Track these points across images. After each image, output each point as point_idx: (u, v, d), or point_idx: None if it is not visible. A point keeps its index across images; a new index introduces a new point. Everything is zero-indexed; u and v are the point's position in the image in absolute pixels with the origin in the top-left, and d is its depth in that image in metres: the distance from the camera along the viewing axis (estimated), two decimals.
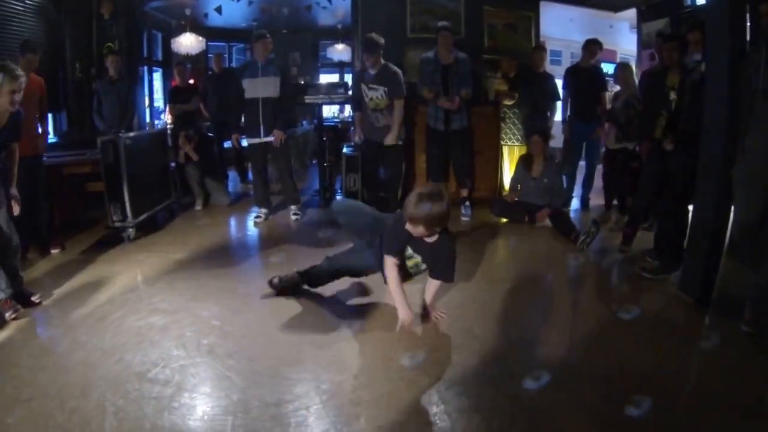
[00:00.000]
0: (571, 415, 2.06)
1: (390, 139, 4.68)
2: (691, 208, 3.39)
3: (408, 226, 2.48)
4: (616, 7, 6.90)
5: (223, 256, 4.00)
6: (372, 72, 4.62)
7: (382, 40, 4.57)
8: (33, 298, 2.98)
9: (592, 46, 5.11)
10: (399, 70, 4.70)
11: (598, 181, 5.34)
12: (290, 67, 5.84)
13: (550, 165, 4.79)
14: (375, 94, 4.63)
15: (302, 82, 6.95)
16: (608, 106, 5.09)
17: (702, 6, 5.30)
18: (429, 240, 2.58)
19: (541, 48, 5.55)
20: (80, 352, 2.45)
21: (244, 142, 5.10)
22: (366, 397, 2.12)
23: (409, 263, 2.73)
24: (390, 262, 2.60)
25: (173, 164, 5.36)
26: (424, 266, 2.72)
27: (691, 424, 2.01)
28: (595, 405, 2.12)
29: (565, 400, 2.16)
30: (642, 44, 6.55)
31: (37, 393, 2.11)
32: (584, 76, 5.12)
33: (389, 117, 4.67)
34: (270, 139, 4.68)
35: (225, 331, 2.68)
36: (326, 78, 9.50)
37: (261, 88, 4.62)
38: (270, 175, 5.19)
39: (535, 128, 4.95)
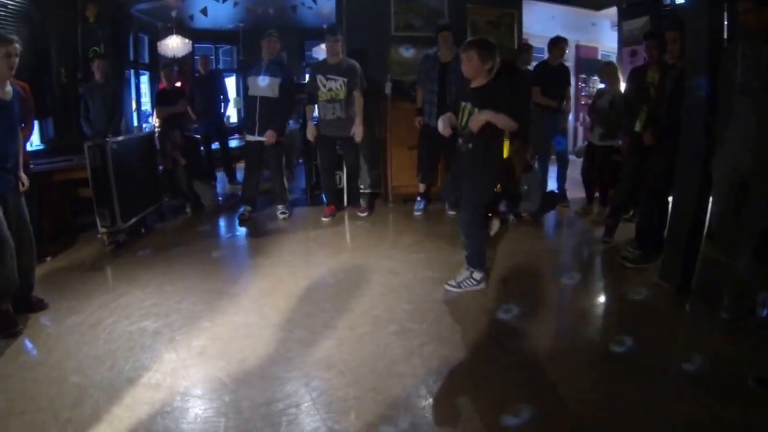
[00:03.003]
0: (560, 404, 2.13)
1: (358, 134, 4.73)
2: (670, 199, 3.48)
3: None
4: (598, 5, 6.97)
5: (212, 257, 4.03)
6: (331, 62, 4.69)
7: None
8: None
9: (561, 45, 5.20)
10: (357, 63, 4.76)
11: (575, 173, 5.42)
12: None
13: (529, 172, 4.87)
14: (334, 85, 4.66)
15: None
16: (588, 101, 5.19)
17: (681, 4, 5.38)
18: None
19: (530, 48, 5.62)
20: (73, 360, 2.47)
21: (233, 143, 5.10)
22: (355, 393, 2.17)
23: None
24: None
25: (161, 168, 5.36)
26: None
27: (673, 405, 2.11)
28: (583, 393, 2.20)
29: (553, 389, 2.23)
30: (623, 41, 6.64)
31: (30, 405, 2.12)
32: (553, 73, 5.24)
33: (345, 109, 4.70)
34: (264, 138, 4.71)
35: (215, 332, 2.73)
36: None
37: (261, 86, 4.66)
38: (262, 174, 5.21)
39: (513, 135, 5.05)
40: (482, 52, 2.99)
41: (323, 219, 4.91)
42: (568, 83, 5.44)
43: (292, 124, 5.94)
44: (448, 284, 3.23)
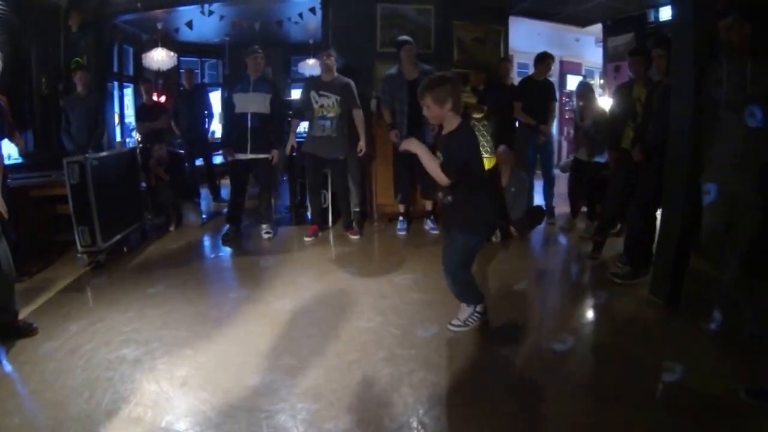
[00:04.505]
0: (553, 428, 2.10)
1: (362, 145, 4.70)
2: (659, 213, 3.49)
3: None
4: (583, 22, 7.07)
5: (195, 279, 3.93)
6: (325, 79, 4.64)
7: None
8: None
9: (548, 61, 5.22)
10: (351, 81, 4.71)
11: (561, 189, 5.43)
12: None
13: (517, 174, 4.88)
14: (326, 102, 4.62)
15: None
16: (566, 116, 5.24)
17: (666, 22, 5.47)
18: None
19: (507, 60, 5.65)
20: (48, 391, 2.36)
21: (217, 159, 5.01)
22: (343, 426, 2.11)
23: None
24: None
25: (144, 185, 5.26)
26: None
27: (667, 421, 2.11)
28: (577, 416, 2.17)
29: (546, 415, 2.20)
30: (608, 58, 6.73)
31: None
32: (537, 88, 5.27)
33: (336, 128, 4.63)
34: (255, 156, 4.65)
35: (198, 360, 2.64)
36: (297, 93, 9.43)
37: (251, 103, 4.59)
38: (248, 192, 5.14)
39: (502, 140, 5.06)
40: (435, 95, 2.60)
41: (306, 239, 4.83)
42: (553, 99, 5.46)
43: None
44: (452, 325, 2.92)
